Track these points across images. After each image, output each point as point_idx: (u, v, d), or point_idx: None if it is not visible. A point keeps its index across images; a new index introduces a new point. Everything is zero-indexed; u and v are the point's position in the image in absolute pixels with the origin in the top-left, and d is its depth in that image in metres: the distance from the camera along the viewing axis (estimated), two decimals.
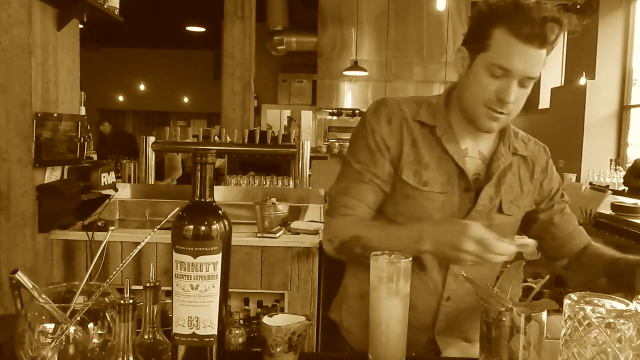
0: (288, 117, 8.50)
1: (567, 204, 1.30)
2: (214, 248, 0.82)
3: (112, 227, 2.66)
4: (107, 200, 2.67)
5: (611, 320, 0.73)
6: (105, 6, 2.51)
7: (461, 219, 1.13)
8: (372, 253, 0.92)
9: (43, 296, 0.82)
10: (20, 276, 0.82)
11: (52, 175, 2.48)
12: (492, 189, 1.17)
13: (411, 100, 1.21)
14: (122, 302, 0.74)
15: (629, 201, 2.39)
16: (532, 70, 1.05)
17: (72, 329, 0.79)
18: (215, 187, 0.87)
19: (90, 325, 0.81)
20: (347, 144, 1.30)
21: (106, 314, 0.82)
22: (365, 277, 1.21)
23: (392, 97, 1.23)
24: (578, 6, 6.06)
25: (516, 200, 1.20)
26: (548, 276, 0.91)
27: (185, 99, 11.05)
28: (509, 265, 0.88)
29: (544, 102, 7.69)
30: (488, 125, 1.11)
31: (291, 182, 3.57)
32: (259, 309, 2.52)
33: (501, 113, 1.09)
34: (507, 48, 1.03)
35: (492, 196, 1.16)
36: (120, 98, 11.13)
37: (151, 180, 3.68)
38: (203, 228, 0.82)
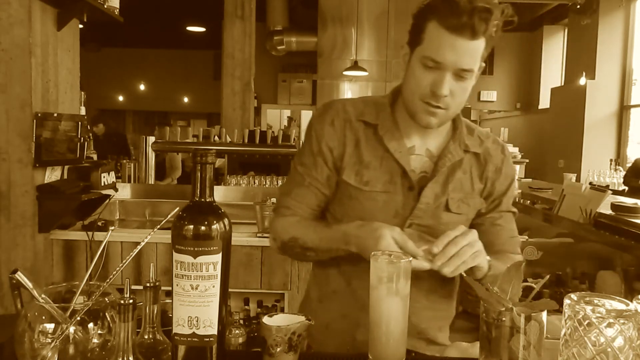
0: (288, 117, 8.51)
1: (511, 215, 1.24)
2: (214, 248, 0.82)
3: (112, 227, 2.66)
4: (107, 200, 2.67)
5: (611, 320, 0.73)
6: (105, 6, 2.52)
7: (405, 217, 1.13)
8: (372, 253, 0.92)
9: (43, 296, 0.82)
10: (20, 276, 0.82)
11: (52, 175, 2.48)
12: (438, 186, 1.15)
13: (359, 101, 1.21)
14: (122, 302, 0.74)
15: (629, 201, 2.39)
16: (464, 61, 1.03)
17: (72, 329, 0.79)
18: (215, 187, 0.87)
19: (90, 325, 0.81)
20: None
21: (106, 314, 0.82)
22: (323, 281, 1.24)
23: (341, 98, 1.25)
24: (578, 6, 6.06)
25: (466, 198, 1.17)
26: (548, 276, 0.91)
27: (185, 99, 11.05)
28: (509, 266, 0.87)
29: (544, 102, 7.70)
30: (426, 120, 1.10)
31: None
32: (259, 309, 2.53)
33: (438, 107, 1.07)
34: (438, 40, 1.03)
35: (437, 194, 1.15)
36: (120, 98, 11.13)
37: (151, 180, 3.68)
38: (203, 228, 0.82)
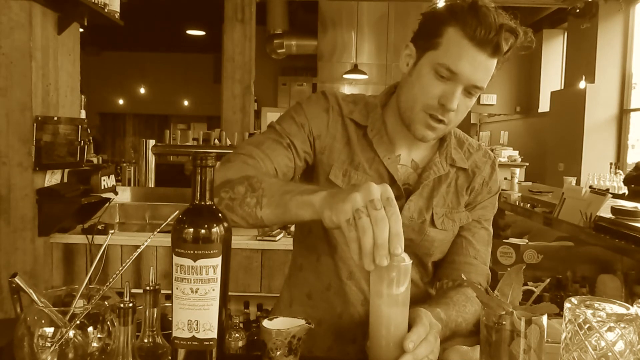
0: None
1: (484, 232, 1.16)
2: (214, 251, 0.81)
3: (112, 231, 2.66)
4: (107, 204, 2.67)
5: (612, 324, 0.72)
6: (106, 10, 2.52)
7: None
8: None
9: (42, 300, 0.82)
10: (20, 280, 0.82)
11: (52, 178, 2.48)
12: (422, 200, 1.09)
13: (351, 98, 1.15)
14: (121, 305, 0.74)
15: (629, 205, 2.39)
16: (480, 78, 0.99)
17: (71, 333, 0.79)
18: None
19: (90, 329, 0.81)
20: None
21: (106, 317, 0.82)
22: (297, 283, 1.17)
23: (332, 92, 1.14)
24: (577, 10, 6.08)
25: (451, 213, 1.11)
26: (549, 279, 0.91)
27: (186, 102, 11.06)
28: (509, 269, 0.87)
29: (544, 105, 7.71)
30: (423, 133, 1.03)
31: None
32: (259, 312, 2.52)
33: (441, 122, 1.01)
34: (458, 49, 0.97)
35: (421, 208, 1.09)
36: (121, 101, 11.15)
37: (151, 183, 3.68)
38: (203, 231, 0.81)
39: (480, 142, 1.20)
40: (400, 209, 0.96)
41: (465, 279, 0.91)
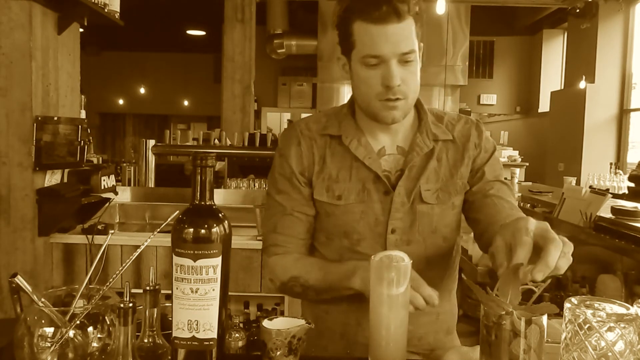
0: (288, 120, 8.50)
1: (503, 185, 1.18)
2: (214, 251, 0.81)
3: (112, 231, 2.65)
4: (107, 204, 2.67)
5: (612, 324, 0.72)
6: (106, 10, 2.52)
7: (385, 222, 1.11)
8: (372, 255, 0.91)
9: (43, 300, 0.82)
10: (20, 280, 0.82)
11: (52, 178, 2.48)
12: (411, 181, 1.13)
13: (322, 115, 1.20)
14: (121, 305, 0.74)
15: (629, 205, 2.39)
16: (402, 45, 1.02)
17: (71, 333, 0.79)
18: (215, 190, 0.87)
19: (90, 329, 0.81)
20: None
21: (106, 317, 0.82)
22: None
23: (303, 118, 1.23)
24: (577, 10, 6.07)
25: (446, 186, 1.14)
26: (549, 280, 0.91)
27: (186, 102, 11.06)
28: (507, 268, 0.87)
29: (544, 105, 7.71)
30: (389, 116, 1.08)
31: None
32: (259, 312, 2.52)
33: (397, 99, 1.06)
34: (368, 36, 1.02)
35: (410, 189, 1.12)
36: (121, 101, 11.14)
37: (151, 183, 3.68)
38: (203, 231, 0.81)
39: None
40: (391, 200, 1.11)
41: (465, 278, 0.92)
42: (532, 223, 0.85)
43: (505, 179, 1.23)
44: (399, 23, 1.01)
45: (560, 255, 0.80)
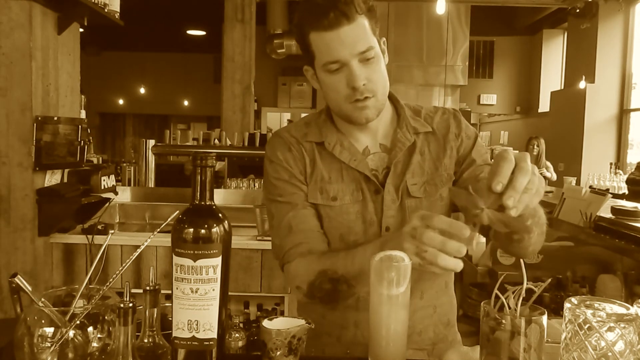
0: (288, 120, 8.51)
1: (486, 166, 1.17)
2: (214, 251, 0.81)
3: (112, 231, 2.65)
4: (107, 204, 2.67)
5: (612, 324, 0.72)
6: (106, 10, 2.52)
7: (379, 222, 1.12)
8: (372, 256, 0.91)
9: (42, 300, 0.82)
10: (20, 280, 0.82)
11: (52, 178, 2.48)
12: (397, 177, 1.13)
13: (302, 124, 1.22)
14: (121, 305, 0.74)
15: (629, 205, 2.39)
16: (358, 45, 1.03)
17: (71, 333, 0.79)
18: (215, 190, 0.87)
19: (90, 329, 0.81)
20: None
21: (106, 317, 0.82)
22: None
23: (282, 128, 1.24)
24: (577, 10, 6.07)
25: (432, 179, 1.15)
26: (549, 280, 0.91)
27: (186, 102, 11.06)
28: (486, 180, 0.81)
29: (544, 105, 7.71)
30: (362, 115, 1.09)
31: None
32: (259, 312, 2.52)
33: (365, 98, 1.06)
34: (323, 43, 1.04)
35: (397, 185, 1.13)
36: (121, 101, 11.14)
37: (151, 183, 3.68)
38: (203, 231, 0.81)
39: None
40: (382, 199, 1.11)
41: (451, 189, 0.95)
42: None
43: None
44: (350, 24, 1.02)
45: (528, 187, 0.77)
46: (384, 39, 1.10)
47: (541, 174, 5.35)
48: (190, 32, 8.63)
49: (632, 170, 4.22)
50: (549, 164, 5.78)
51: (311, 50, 1.07)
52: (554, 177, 5.72)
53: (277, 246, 1.16)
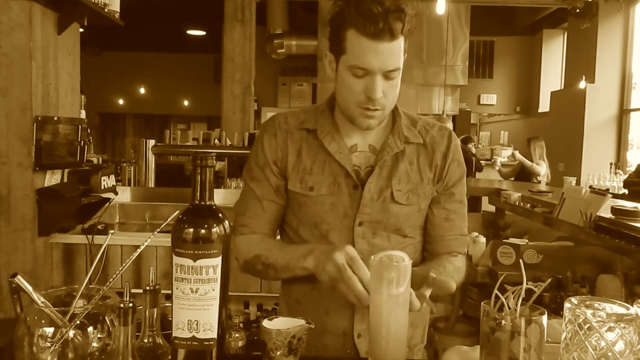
0: None
1: (463, 208, 1.26)
2: (214, 251, 0.82)
3: (112, 231, 2.66)
4: (107, 204, 2.67)
5: (612, 324, 0.72)
6: (106, 10, 2.52)
7: (354, 215, 1.16)
8: (372, 256, 0.91)
9: (42, 300, 0.82)
10: (20, 280, 0.82)
11: (52, 178, 2.48)
12: (382, 180, 1.17)
13: (301, 111, 1.25)
14: (121, 305, 0.74)
15: (629, 205, 2.39)
16: (389, 63, 1.06)
17: (71, 333, 0.79)
18: (215, 190, 0.87)
19: (90, 329, 0.81)
20: None
21: (106, 317, 0.82)
22: (287, 292, 1.27)
23: (283, 112, 1.27)
24: (577, 10, 6.08)
25: (416, 189, 1.18)
26: (549, 280, 0.91)
27: (186, 102, 11.06)
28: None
29: (544, 105, 7.71)
30: (365, 123, 1.13)
31: None
32: (259, 312, 2.52)
33: (375, 110, 1.10)
34: (360, 48, 1.05)
35: (381, 187, 1.17)
36: (121, 101, 11.15)
37: (151, 183, 3.68)
38: (203, 231, 0.81)
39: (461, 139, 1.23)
40: (360, 194, 1.16)
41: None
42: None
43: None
44: (391, 42, 1.04)
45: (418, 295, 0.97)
46: (406, 55, 1.11)
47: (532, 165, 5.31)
48: (190, 32, 8.64)
49: (631, 173, 4.24)
50: (542, 162, 5.75)
51: (343, 45, 1.08)
52: (543, 172, 5.68)
53: (234, 214, 1.25)
